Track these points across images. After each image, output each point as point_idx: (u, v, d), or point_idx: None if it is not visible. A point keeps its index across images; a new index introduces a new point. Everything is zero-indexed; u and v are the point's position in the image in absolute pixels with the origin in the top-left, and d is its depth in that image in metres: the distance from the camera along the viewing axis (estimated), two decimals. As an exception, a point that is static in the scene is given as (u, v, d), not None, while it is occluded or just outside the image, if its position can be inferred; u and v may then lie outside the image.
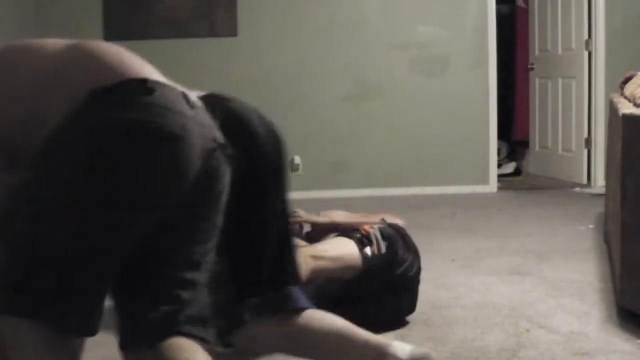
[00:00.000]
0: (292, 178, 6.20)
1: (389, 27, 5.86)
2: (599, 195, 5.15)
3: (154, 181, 1.45)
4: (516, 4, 7.17)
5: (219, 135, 1.57)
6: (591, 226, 4.43)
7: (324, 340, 2.10)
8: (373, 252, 2.64)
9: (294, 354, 2.24)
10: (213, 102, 1.73)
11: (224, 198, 1.59)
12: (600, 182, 5.78)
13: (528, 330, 2.64)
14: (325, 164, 5.90)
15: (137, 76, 1.49)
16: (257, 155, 1.86)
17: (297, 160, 5.89)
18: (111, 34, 5.78)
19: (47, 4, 5.79)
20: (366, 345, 2.07)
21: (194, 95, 1.60)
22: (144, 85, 1.48)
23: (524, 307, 2.91)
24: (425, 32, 5.87)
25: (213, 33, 5.81)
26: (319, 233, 2.95)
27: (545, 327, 2.67)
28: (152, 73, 1.55)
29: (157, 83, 1.51)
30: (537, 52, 6.62)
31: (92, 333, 1.47)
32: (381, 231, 2.74)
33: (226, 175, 1.59)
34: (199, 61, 5.83)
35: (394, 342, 2.10)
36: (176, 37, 5.78)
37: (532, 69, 6.67)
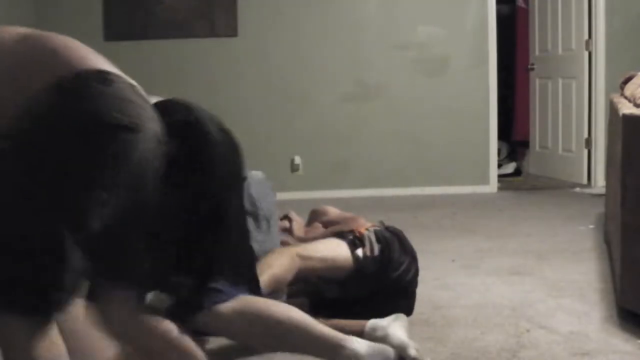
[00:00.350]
0: (292, 178, 6.19)
1: (389, 27, 5.86)
2: (599, 195, 5.15)
3: (114, 168, 1.50)
4: (516, 4, 7.16)
5: (160, 130, 1.64)
6: (591, 226, 4.43)
7: (280, 328, 2.14)
8: (365, 254, 2.64)
9: (250, 341, 2.28)
10: (169, 106, 1.82)
11: (153, 188, 1.65)
12: (600, 182, 5.78)
13: (528, 330, 2.64)
14: (325, 164, 5.90)
15: (94, 67, 1.54)
16: (210, 159, 1.90)
17: (297, 160, 5.89)
18: (111, 34, 5.78)
19: (47, 4, 5.79)
20: (322, 337, 2.12)
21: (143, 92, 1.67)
22: (102, 76, 1.53)
23: (524, 307, 2.91)
24: (425, 32, 5.87)
25: (213, 33, 5.80)
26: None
27: (545, 327, 2.67)
28: (107, 65, 1.59)
29: (114, 74, 1.56)
30: (537, 52, 6.62)
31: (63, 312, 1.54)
32: (376, 233, 2.74)
33: (159, 168, 1.65)
34: (199, 61, 5.83)
35: (351, 336, 2.13)
36: (176, 37, 5.78)
37: (532, 69, 6.67)
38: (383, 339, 2.40)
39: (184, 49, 5.81)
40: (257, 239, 2.66)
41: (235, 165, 2.02)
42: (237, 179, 2.04)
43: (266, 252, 2.67)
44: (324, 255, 2.61)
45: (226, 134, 1.99)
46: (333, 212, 3.15)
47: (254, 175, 2.92)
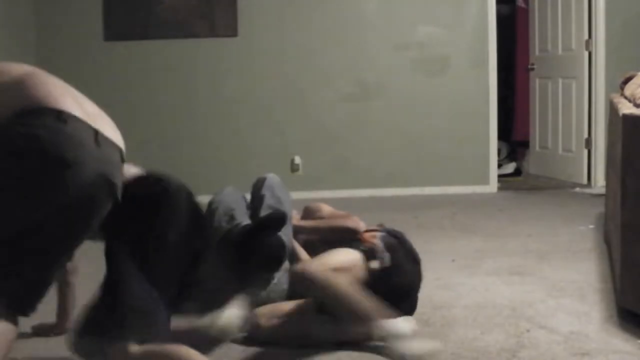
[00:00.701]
0: (292, 178, 6.18)
1: (389, 27, 5.86)
2: (599, 195, 5.15)
3: (41, 190, 1.84)
4: (516, 4, 7.17)
5: (113, 174, 1.99)
6: (591, 226, 4.43)
7: None
8: (380, 265, 2.66)
9: None
10: (143, 178, 2.22)
11: (96, 221, 2.00)
12: (600, 182, 5.78)
13: (528, 330, 2.64)
14: (325, 164, 5.90)
15: (58, 107, 1.89)
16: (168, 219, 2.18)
17: (297, 160, 5.89)
18: (111, 34, 5.78)
19: (47, 4, 5.78)
20: None
21: (109, 139, 2.02)
22: (60, 115, 1.87)
23: (524, 307, 2.91)
24: (425, 32, 5.87)
25: (213, 33, 5.80)
26: (312, 240, 3.01)
27: (545, 327, 2.67)
28: (73, 106, 1.93)
29: (72, 116, 1.89)
30: (537, 52, 6.62)
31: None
32: (384, 241, 2.75)
33: (104, 205, 1.99)
34: (199, 61, 5.84)
35: None
36: (176, 37, 5.78)
37: (532, 69, 6.67)
38: (387, 338, 2.42)
39: (184, 49, 5.81)
40: (285, 233, 2.71)
41: (192, 226, 2.28)
42: (196, 232, 2.31)
43: (290, 245, 2.76)
44: (341, 265, 2.64)
45: (190, 200, 2.28)
46: (327, 209, 3.18)
47: (274, 178, 3.02)
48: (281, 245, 2.68)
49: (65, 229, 1.91)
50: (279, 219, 2.68)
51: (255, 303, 2.70)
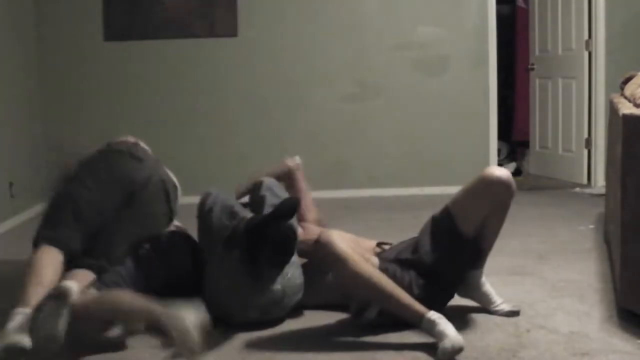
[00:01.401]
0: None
1: (389, 27, 5.86)
2: (599, 195, 5.15)
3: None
4: (516, 4, 7.17)
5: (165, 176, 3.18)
6: (591, 226, 4.43)
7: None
8: None
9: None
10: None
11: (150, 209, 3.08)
12: (600, 182, 5.78)
13: (528, 330, 2.64)
14: (325, 164, 5.90)
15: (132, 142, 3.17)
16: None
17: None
18: (111, 34, 5.78)
19: (47, 4, 5.78)
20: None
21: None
22: (137, 146, 3.18)
23: (524, 307, 2.91)
24: (425, 32, 5.86)
25: (213, 33, 5.80)
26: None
27: (545, 327, 2.67)
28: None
29: (145, 150, 3.25)
30: (537, 52, 6.62)
31: None
32: None
33: (156, 196, 3.12)
34: (199, 61, 5.83)
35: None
36: (176, 37, 5.78)
37: (532, 69, 6.68)
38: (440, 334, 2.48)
39: (184, 49, 5.81)
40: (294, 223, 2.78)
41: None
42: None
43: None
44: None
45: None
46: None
47: (270, 181, 3.09)
48: (293, 230, 2.70)
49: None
50: (292, 205, 2.71)
51: (272, 300, 2.73)
